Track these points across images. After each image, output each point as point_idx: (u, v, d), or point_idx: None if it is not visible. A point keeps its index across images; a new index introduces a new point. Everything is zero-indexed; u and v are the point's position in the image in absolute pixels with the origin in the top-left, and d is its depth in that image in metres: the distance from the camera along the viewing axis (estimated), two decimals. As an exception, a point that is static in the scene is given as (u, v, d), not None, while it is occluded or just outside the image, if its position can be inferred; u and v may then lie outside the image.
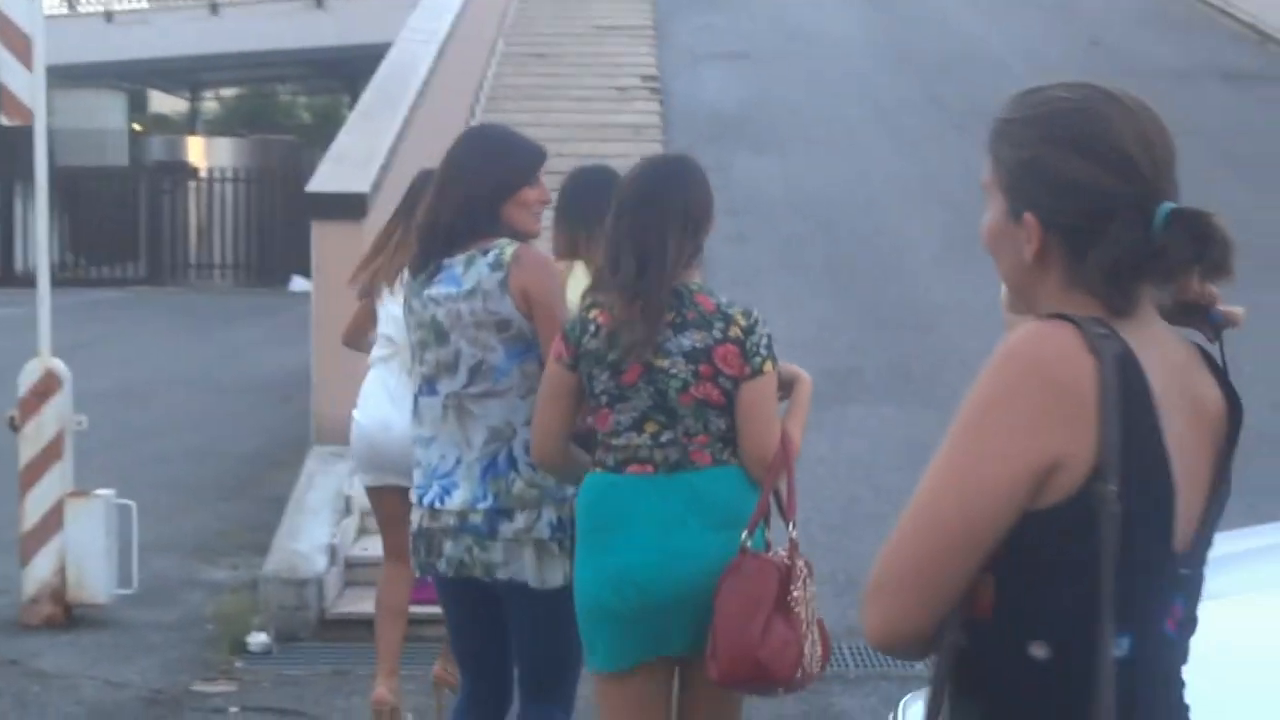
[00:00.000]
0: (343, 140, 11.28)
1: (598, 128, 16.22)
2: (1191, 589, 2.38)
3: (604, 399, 4.50)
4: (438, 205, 4.85)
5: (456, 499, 4.83)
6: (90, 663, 8.14)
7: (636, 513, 4.44)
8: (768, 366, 4.46)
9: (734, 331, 4.45)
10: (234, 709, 7.53)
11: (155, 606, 9.03)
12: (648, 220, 4.50)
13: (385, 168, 10.69)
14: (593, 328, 4.52)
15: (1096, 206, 2.35)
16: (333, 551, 9.00)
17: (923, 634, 2.33)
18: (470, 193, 4.82)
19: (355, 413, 6.89)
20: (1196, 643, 3.72)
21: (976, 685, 2.37)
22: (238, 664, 8.22)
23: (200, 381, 15.80)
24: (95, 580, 8.77)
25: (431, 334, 4.87)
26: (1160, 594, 2.33)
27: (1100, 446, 2.25)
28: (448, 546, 4.85)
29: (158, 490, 11.00)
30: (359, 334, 7.06)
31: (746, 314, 4.49)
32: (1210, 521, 2.40)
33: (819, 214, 16.04)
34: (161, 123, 42.38)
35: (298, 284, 25.34)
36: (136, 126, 37.63)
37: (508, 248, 4.80)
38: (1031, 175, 2.39)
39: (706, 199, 4.59)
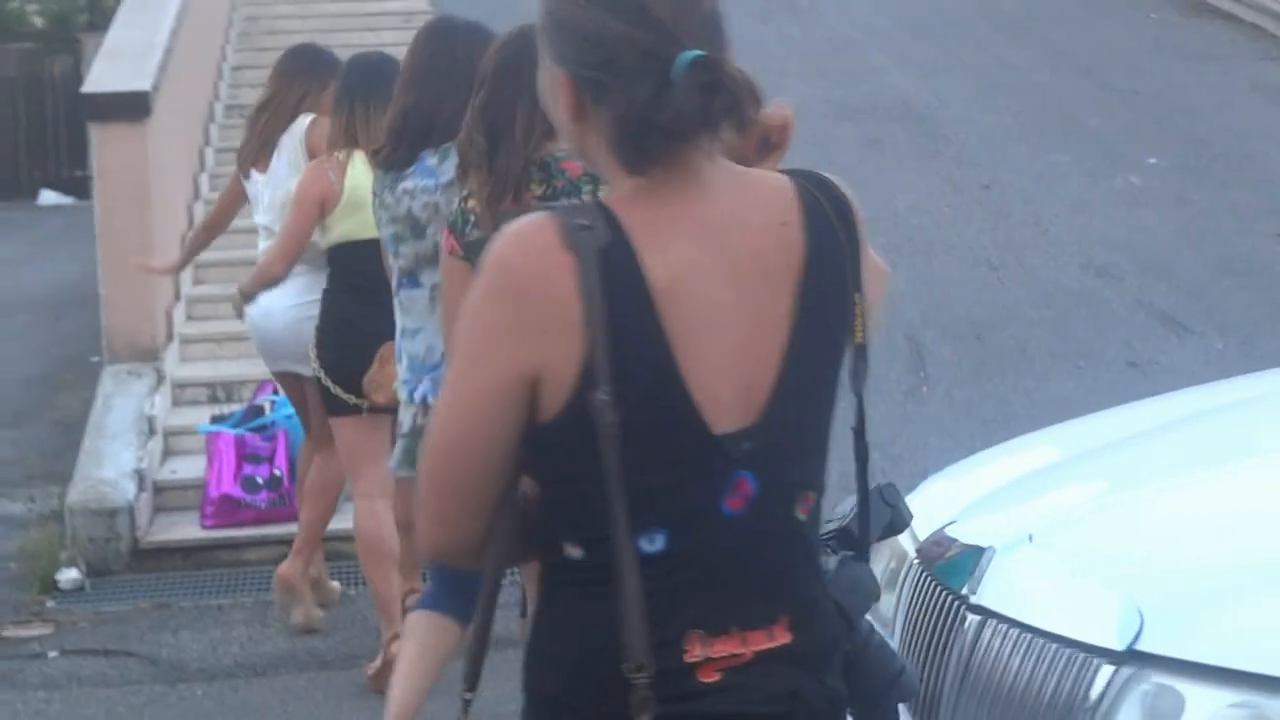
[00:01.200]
0: (117, 34, 10.56)
1: (365, 16, 15.57)
2: (771, 460, 2.24)
3: None
4: (428, 99, 4.76)
5: None
6: (-113, 613, 7.56)
7: None
8: None
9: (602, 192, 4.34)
10: (53, 653, 7.03)
11: (-50, 547, 8.44)
12: (502, 94, 4.37)
13: (164, 64, 10.04)
14: (472, 218, 4.38)
15: (611, 56, 2.20)
16: (141, 477, 8.47)
17: (468, 543, 2.31)
18: (466, 86, 4.65)
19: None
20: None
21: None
22: (50, 604, 7.67)
23: (-39, 304, 14.95)
24: (-118, 523, 8.15)
25: (406, 227, 4.82)
26: (702, 481, 2.24)
27: (585, 351, 2.13)
28: None
29: (-66, 422, 10.32)
30: (227, 217, 7.00)
31: None
32: (796, 380, 2.24)
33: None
34: (-117, 35, 40.37)
35: (47, 197, 24.34)
36: None
37: None
38: (557, 27, 2.30)
39: None
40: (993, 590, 3.42)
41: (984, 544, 3.54)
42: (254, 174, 6.72)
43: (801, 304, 2.27)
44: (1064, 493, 3.84)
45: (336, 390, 6.02)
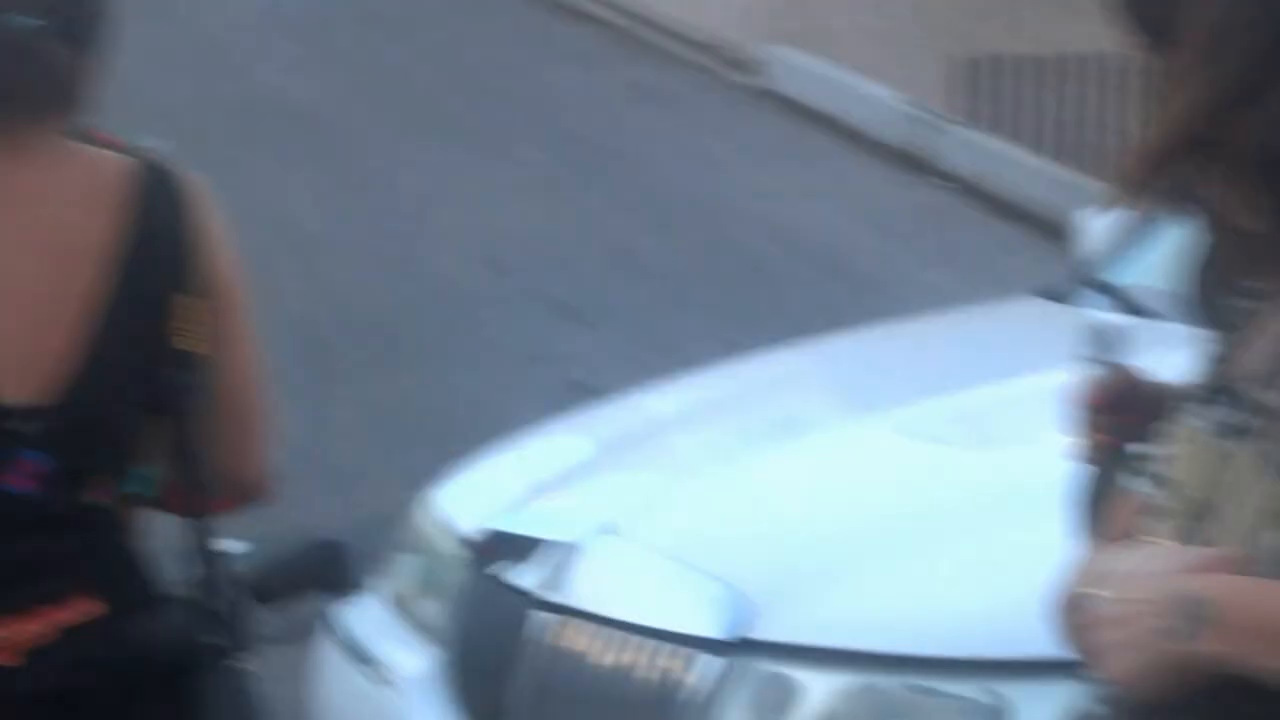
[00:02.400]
0: None
1: None
2: (65, 442, 2.19)
3: None
4: None
5: None
6: None
7: None
8: None
9: None
10: None
11: None
12: None
13: None
14: None
15: None
16: None
17: None
18: None
19: None
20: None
21: None
22: None
23: None
24: None
25: None
26: None
27: None
28: None
29: None
30: None
31: None
32: (97, 364, 2.19)
33: None
34: None
35: None
36: None
37: None
38: None
39: None
40: (571, 586, 3.18)
41: (552, 536, 3.30)
42: None
43: (109, 289, 2.21)
44: (631, 478, 3.64)
45: None
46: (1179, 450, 1.58)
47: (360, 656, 3.62)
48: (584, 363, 9.29)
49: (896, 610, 2.98)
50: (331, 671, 3.68)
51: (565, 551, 3.22)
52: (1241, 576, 1.48)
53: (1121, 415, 1.90)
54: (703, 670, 2.95)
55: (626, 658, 3.04)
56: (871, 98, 12.06)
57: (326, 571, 2.44)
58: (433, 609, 3.57)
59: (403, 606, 3.68)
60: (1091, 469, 1.93)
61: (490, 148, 12.85)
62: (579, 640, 3.12)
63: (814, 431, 3.67)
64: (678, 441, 3.79)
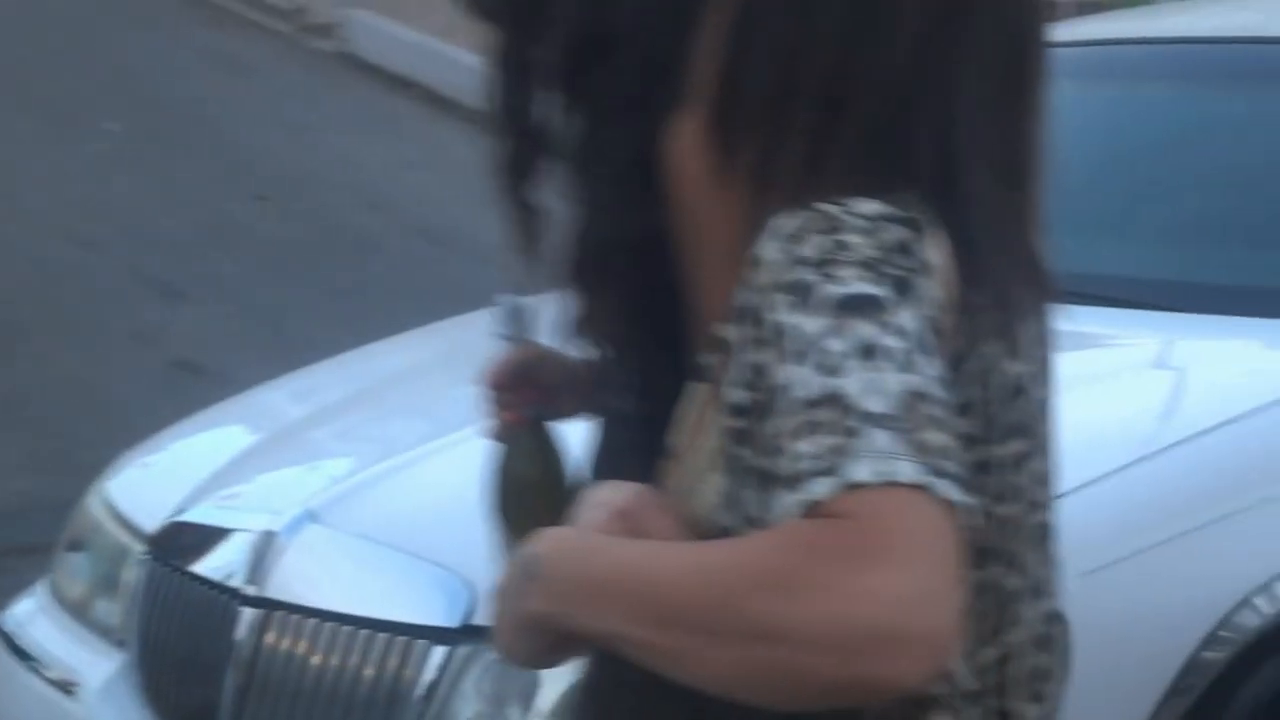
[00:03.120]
0: None
1: None
2: None
3: None
4: None
5: None
6: None
7: None
8: None
9: None
10: None
11: None
12: None
13: None
14: None
15: None
16: None
17: None
18: None
19: None
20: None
21: None
22: None
23: None
24: None
25: None
26: None
27: None
28: None
29: None
30: None
31: None
32: None
33: None
34: None
35: None
36: None
37: None
38: None
39: None
40: (275, 578, 3.00)
41: (245, 526, 3.11)
42: None
43: None
44: (315, 467, 3.43)
45: None
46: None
47: (33, 663, 3.37)
48: (186, 340, 9.01)
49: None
50: (3, 681, 3.42)
51: (264, 542, 3.02)
52: (580, 533, 1.43)
53: (525, 393, 1.87)
54: (431, 660, 2.81)
55: (344, 652, 2.88)
56: (453, 61, 11.93)
57: None
58: (111, 610, 3.35)
59: (75, 608, 3.44)
60: (501, 447, 1.88)
61: (67, 118, 12.29)
62: (291, 635, 2.94)
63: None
64: (352, 428, 3.62)
